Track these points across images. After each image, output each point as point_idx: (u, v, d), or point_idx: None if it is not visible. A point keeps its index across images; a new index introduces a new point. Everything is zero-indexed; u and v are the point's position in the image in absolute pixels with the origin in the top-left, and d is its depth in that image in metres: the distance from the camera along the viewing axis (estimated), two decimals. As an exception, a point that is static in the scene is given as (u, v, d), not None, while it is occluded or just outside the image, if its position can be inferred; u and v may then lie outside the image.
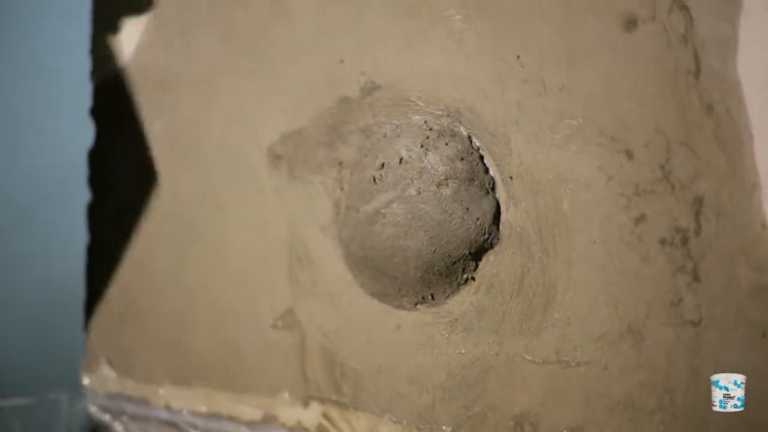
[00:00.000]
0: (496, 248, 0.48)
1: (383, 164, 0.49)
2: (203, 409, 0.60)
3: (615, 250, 0.45)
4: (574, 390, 0.46)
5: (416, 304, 0.51)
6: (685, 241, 0.43)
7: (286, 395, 0.56)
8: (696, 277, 0.43)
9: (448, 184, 0.47)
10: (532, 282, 0.47)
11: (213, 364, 0.60)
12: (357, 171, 0.51)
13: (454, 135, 0.48)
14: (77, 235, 0.62)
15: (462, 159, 0.48)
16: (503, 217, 0.48)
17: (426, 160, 0.48)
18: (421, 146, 0.48)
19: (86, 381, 0.67)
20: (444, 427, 0.50)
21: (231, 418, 0.59)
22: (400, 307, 0.51)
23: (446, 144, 0.48)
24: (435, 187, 0.47)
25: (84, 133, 0.61)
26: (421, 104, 0.49)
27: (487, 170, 0.48)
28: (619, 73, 0.44)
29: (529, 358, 0.47)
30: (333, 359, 0.54)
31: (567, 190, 0.46)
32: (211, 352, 0.60)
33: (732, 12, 0.42)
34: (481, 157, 0.48)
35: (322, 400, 0.55)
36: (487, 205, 0.48)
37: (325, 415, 0.55)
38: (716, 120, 0.42)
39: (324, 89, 0.52)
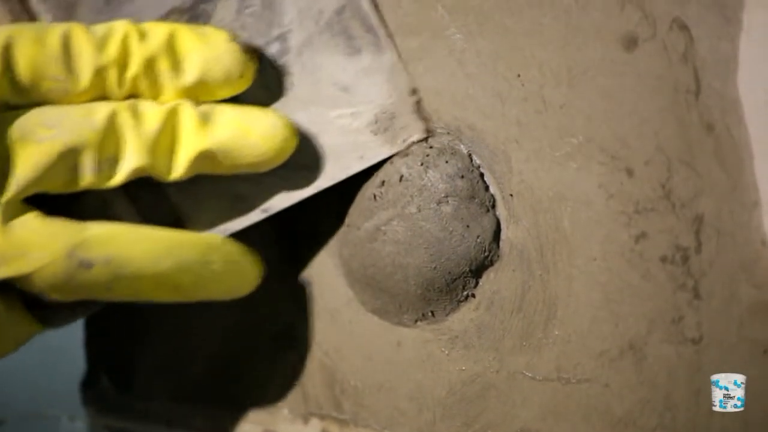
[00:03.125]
0: (496, 265, 0.48)
1: (383, 182, 0.49)
2: (203, 425, 0.60)
3: (616, 267, 0.45)
4: (575, 407, 0.46)
5: (417, 321, 0.51)
6: (685, 258, 0.43)
7: (285, 412, 0.56)
8: (697, 295, 0.43)
9: (448, 202, 0.47)
10: (533, 299, 0.47)
11: (213, 380, 0.60)
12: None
13: (454, 153, 0.48)
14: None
15: (462, 177, 0.48)
16: (504, 234, 0.48)
17: (426, 178, 0.48)
18: (422, 164, 0.48)
19: (85, 397, 0.67)
20: (445, 445, 0.50)
21: (230, 435, 0.59)
22: (401, 324, 0.51)
23: (446, 162, 0.48)
24: (435, 204, 0.47)
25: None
26: (422, 122, 0.49)
27: (487, 188, 0.48)
28: (619, 91, 0.44)
29: (530, 375, 0.47)
30: (333, 376, 0.54)
31: (567, 207, 0.46)
32: (211, 368, 0.60)
33: (732, 31, 0.42)
34: (482, 175, 0.48)
35: (322, 417, 0.55)
36: (487, 223, 0.48)
37: (325, 432, 0.55)
38: (717, 138, 0.42)
39: (325, 107, 0.52)
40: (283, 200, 0.52)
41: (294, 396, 0.56)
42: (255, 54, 0.50)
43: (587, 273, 0.46)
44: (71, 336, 0.66)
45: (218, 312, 0.58)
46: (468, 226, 0.47)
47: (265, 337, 0.57)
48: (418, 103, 0.50)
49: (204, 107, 0.49)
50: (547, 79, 0.46)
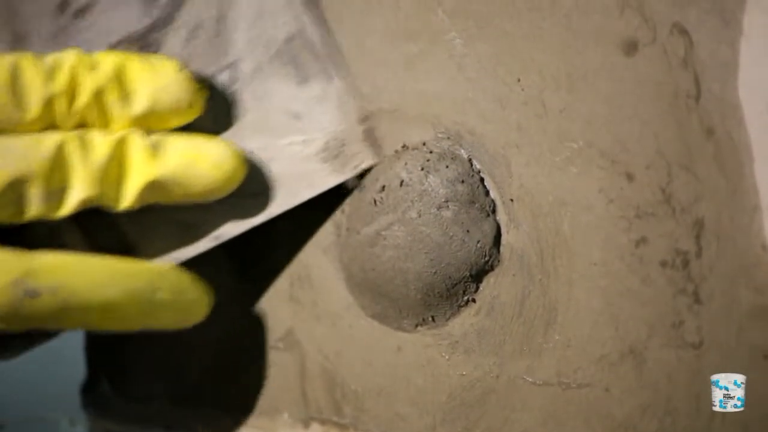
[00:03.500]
0: (496, 270, 0.48)
1: (384, 187, 0.49)
2: (202, 429, 0.60)
3: (616, 272, 0.45)
4: (575, 412, 0.46)
5: (417, 326, 0.50)
6: (686, 263, 0.43)
7: (286, 416, 0.56)
8: (697, 299, 0.43)
9: (448, 207, 0.47)
10: (533, 304, 0.47)
11: (213, 384, 0.60)
12: (357, 193, 0.51)
13: (454, 157, 0.48)
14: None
15: (462, 181, 0.48)
16: (504, 239, 0.48)
17: (426, 183, 0.48)
18: (422, 169, 0.48)
19: (85, 401, 0.67)
20: (445, 449, 0.50)
21: (231, 439, 0.59)
22: (401, 329, 0.51)
23: (447, 166, 0.48)
24: (435, 209, 0.47)
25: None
26: (422, 126, 0.50)
27: (487, 193, 0.48)
28: (619, 95, 0.44)
29: (530, 380, 0.47)
30: (333, 380, 0.54)
31: (568, 212, 0.46)
32: (211, 372, 0.59)
33: (732, 35, 0.42)
34: (482, 180, 0.48)
35: (323, 422, 0.55)
36: (487, 228, 0.48)
37: (326, 437, 0.55)
38: (716, 142, 0.42)
39: (324, 112, 0.52)
40: (234, 228, 0.52)
41: (294, 400, 0.56)
42: (205, 83, 0.50)
43: (587, 278, 0.45)
44: (71, 340, 0.66)
45: (218, 316, 0.58)
46: (468, 231, 0.47)
47: (265, 342, 0.57)
48: (368, 130, 0.50)
49: (154, 137, 0.49)
50: (547, 83, 0.46)
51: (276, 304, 0.56)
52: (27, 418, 0.71)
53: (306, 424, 0.55)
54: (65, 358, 0.69)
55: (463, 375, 0.49)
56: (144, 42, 0.51)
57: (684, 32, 0.43)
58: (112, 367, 0.65)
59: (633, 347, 0.45)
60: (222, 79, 0.51)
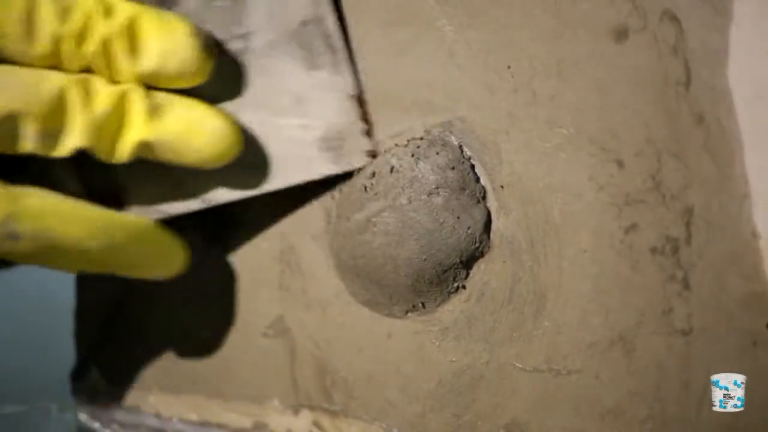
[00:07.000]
0: (486, 257, 0.48)
1: (374, 173, 0.49)
2: (193, 416, 0.60)
3: (605, 259, 0.45)
4: (565, 398, 0.46)
5: (407, 312, 0.51)
6: (675, 250, 0.43)
7: (276, 403, 0.56)
8: (686, 286, 0.43)
9: (439, 193, 0.47)
10: (523, 290, 0.47)
11: (203, 371, 0.60)
12: (348, 180, 0.51)
13: (444, 144, 0.48)
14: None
15: (453, 168, 0.48)
16: (494, 225, 0.48)
17: (417, 169, 0.48)
18: (412, 155, 0.48)
19: (75, 388, 0.67)
20: (435, 436, 0.50)
21: (221, 426, 0.59)
22: (391, 315, 0.51)
23: (437, 153, 0.48)
24: (426, 196, 0.47)
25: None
26: (412, 113, 0.49)
27: (478, 179, 0.48)
28: (609, 83, 0.44)
29: (520, 366, 0.48)
30: (323, 367, 0.54)
31: (557, 199, 0.46)
32: (201, 360, 0.59)
33: (722, 23, 0.42)
34: (472, 167, 0.48)
35: (313, 408, 0.55)
36: (478, 214, 0.48)
37: (316, 423, 0.55)
38: (706, 130, 0.43)
39: (315, 98, 0.52)
40: (224, 195, 0.52)
41: (284, 387, 0.56)
42: (214, 51, 0.50)
43: (577, 264, 0.46)
44: (61, 327, 0.66)
45: (209, 304, 0.58)
46: (458, 218, 0.47)
47: (255, 329, 0.57)
48: (368, 130, 0.50)
49: (156, 98, 0.49)
50: (537, 70, 0.46)
51: (265, 291, 0.56)
52: (17, 405, 0.70)
53: (296, 410, 0.55)
54: (55, 345, 0.69)
55: (453, 361, 0.49)
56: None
57: (674, 19, 0.43)
58: (102, 354, 0.65)
59: (623, 334, 0.45)
60: (233, 47, 0.51)
